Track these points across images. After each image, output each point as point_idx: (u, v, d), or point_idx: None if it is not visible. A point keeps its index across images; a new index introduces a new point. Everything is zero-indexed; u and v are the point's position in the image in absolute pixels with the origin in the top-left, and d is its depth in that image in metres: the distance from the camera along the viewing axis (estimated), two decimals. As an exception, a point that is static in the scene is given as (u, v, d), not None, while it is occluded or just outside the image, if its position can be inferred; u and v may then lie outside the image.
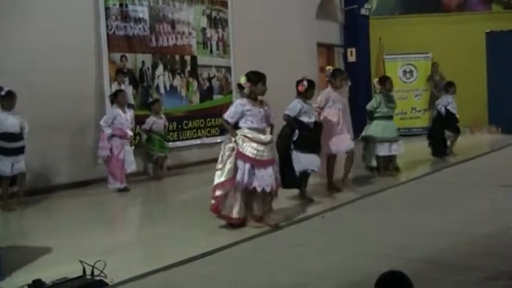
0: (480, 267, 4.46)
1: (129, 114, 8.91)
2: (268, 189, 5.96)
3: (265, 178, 5.93)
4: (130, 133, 8.91)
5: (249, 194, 6.01)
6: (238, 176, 5.87)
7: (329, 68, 8.43)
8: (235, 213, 6.06)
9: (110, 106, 9.04)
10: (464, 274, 4.33)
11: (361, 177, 8.94)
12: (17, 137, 7.59)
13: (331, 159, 7.92)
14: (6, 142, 7.49)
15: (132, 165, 8.88)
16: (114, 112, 8.71)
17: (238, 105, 6.05)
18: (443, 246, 5.09)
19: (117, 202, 8.48)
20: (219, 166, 6.00)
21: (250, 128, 5.97)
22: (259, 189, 5.92)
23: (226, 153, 5.97)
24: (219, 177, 5.96)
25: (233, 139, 5.96)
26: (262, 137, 6.00)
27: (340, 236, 5.69)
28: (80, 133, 9.34)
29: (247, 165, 5.87)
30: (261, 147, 5.94)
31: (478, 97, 15.15)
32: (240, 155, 5.89)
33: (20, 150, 7.62)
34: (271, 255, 5.12)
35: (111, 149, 8.66)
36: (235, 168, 5.89)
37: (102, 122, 8.70)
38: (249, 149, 5.90)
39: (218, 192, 5.97)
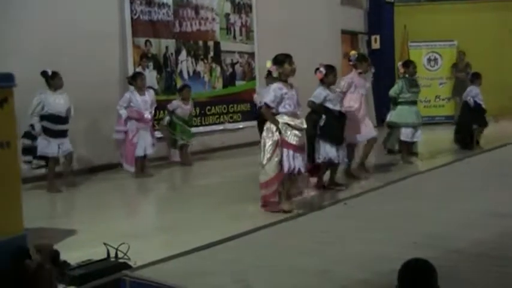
0: (504, 257, 4.42)
1: (148, 96, 8.84)
2: (302, 170, 6.10)
3: (302, 161, 6.06)
4: (148, 116, 8.79)
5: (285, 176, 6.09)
6: (286, 165, 5.95)
7: (353, 52, 8.39)
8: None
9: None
10: (490, 264, 4.29)
11: (383, 164, 8.88)
12: (63, 120, 7.74)
13: (351, 146, 7.90)
14: (52, 124, 7.63)
15: (146, 148, 8.75)
16: (129, 94, 8.70)
17: (276, 89, 6.03)
18: (468, 235, 5.04)
19: (140, 187, 8.54)
20: (264, 162, 6.01)
21: (288, 113, 6.00)
22: (301, 169, 6.04)
23: (271, 148, 5.96)
24: (266, 175, 6.02)
25: (275, 128, 5.96)
26: (299, 122, 6.06)
27: (363, 223, 5.66)
28: (103, 118, 9.40)
29: (291, 152, 5.95)
30: (300, 134, 6.04)
31: (507, 86, 14.93)
32: (285, 144, 5.94)
33: (65, 133, 7.78)
34: (293, 241, 5.12)
35: (126, 132, 8.70)
36: (281, 162, 5.95)
37: (117, 106, 8.73)
38: (293, 136, 5.97)
39: (270, 190, 6.05)
